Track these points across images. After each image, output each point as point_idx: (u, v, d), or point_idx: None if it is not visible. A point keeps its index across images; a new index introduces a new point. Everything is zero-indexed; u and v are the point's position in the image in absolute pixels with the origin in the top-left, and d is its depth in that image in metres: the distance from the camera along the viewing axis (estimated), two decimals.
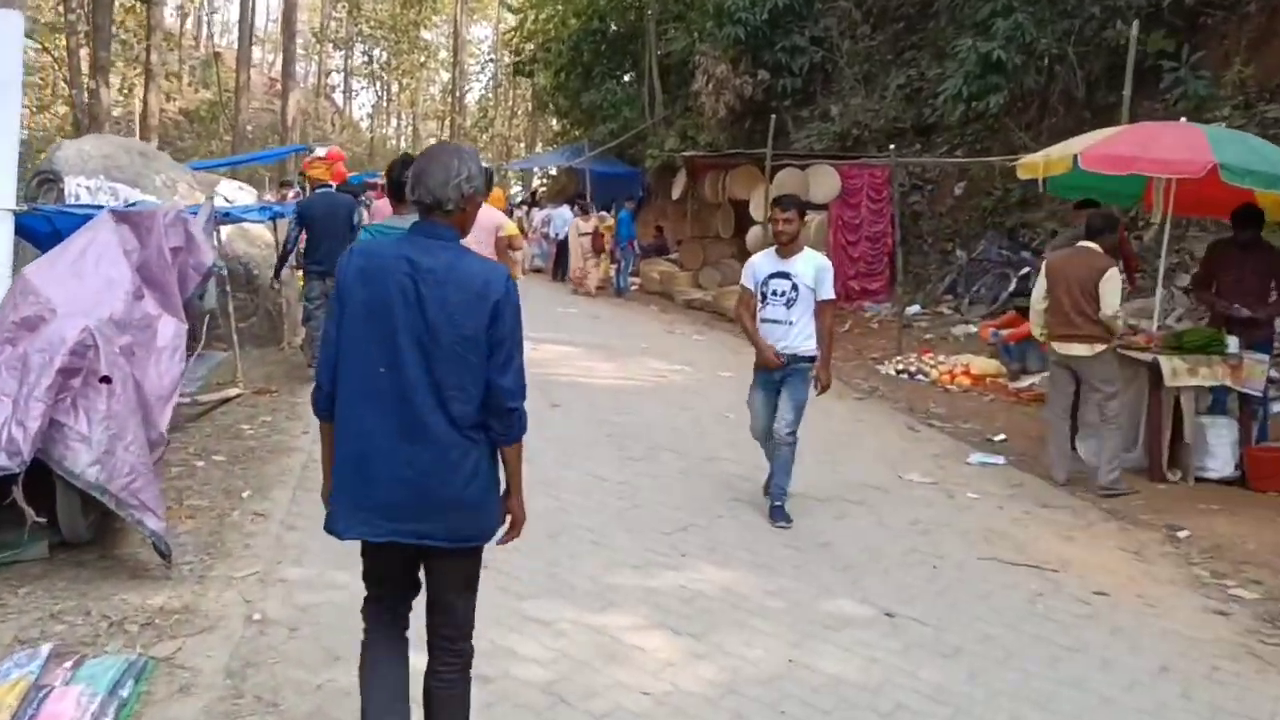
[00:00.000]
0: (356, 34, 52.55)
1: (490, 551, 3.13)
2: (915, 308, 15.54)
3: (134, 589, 4.78)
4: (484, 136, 57.86)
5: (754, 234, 16.28)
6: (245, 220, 9.78)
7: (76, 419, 4.80)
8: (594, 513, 6.21)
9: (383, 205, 9.05)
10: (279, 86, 43.55)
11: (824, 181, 16.18)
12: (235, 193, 12.37)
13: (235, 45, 41.40)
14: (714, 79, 20.02)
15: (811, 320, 6.11)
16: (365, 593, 3.21)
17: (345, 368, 2.97)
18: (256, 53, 63.87)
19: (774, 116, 16.47)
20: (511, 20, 42.72)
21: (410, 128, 62.65)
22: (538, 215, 24.71)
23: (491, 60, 55.50)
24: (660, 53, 24.77)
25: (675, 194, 19.39)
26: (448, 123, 57.92)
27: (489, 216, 10.09)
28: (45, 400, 4.71)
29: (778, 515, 6.10)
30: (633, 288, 20.60)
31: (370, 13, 50.70)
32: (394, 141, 62.88)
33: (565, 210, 22.29)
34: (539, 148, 50.76)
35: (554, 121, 35.77)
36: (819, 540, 5.82)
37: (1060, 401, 7.41)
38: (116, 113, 38.05)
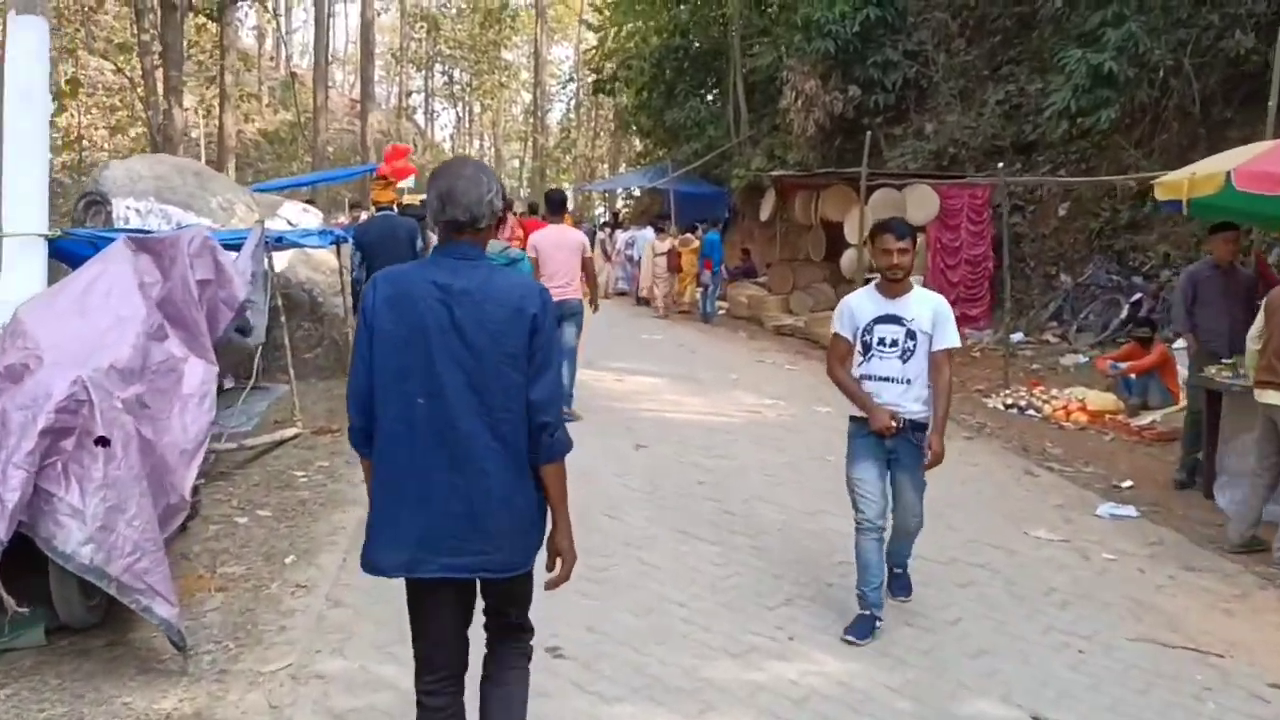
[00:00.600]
0: (436, 54, 52.83)
1: (569, 641, 2.67)
2: (1019, 335, 14.78)
3: (140, 687, 4.16)
4: (566, 157, 57.96)
5: (849, 258, 15.67)
6: (303, 245, 9.39)
7: (67, 489, 4.13)
8: (686, 582, 5.60)
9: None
10: (359, 107, 43.92)
11: (922, 202, 15.50)
12: (299, 215, 12.09)
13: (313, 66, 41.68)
14: (803, 95, 19.46)
15: (927, 375, 4.95)
16: (416, 691, 3.03)
17: (382, 401, 2.87)
18: (337, 74, 64.94)
19: (867, 134, 15.81)
20: (592, 39, 42.66)
21: (493, 149, 62.94)
22: (621, 237, 24.32)
23: (572, 79, 55.51)
24: (745, 69, 24.25)
25: (763, 215, 18.84)
26: (530, 143, 58.06)
27: (573, 236, 9.77)
28: (27, 467, 4.04)
29: (899, 587, 5.36)
30: (720, 312, 20.08)
31: (450, 33, 50.96)
32: None
33: (649, 232, 21.87)
34: (622, 168, 50.67)
35: (636, 141, 35.42)
36: (946, 616, 5.21)
37: (1269, 459, 6.43)
38: (195, 134, 38.69)
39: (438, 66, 55.54)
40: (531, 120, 57.46)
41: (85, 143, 33.66)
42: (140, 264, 5.98)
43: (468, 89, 55.18)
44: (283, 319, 9.16)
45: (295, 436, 8.57)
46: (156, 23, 27.30)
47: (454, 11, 52.51)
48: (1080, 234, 15.71)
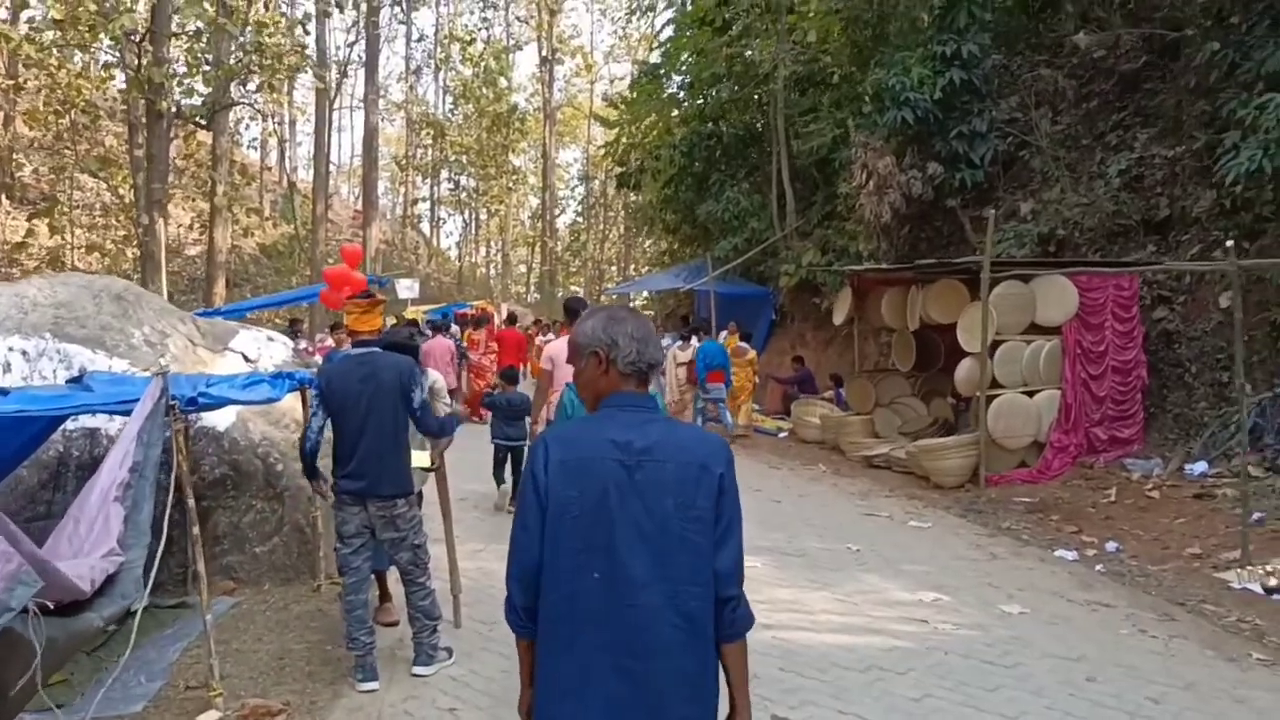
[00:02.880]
0: (442, 161, 50.15)
1: None
2: (1201, 466, 11.11)
3: None
4: (575, 261, 54.93)
5: (967, 369, 12.06)
6: (238, 400, 5.74)
7: None
8: None
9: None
10: (362, 217, 40.98)
11: (1056, 298, 11.99)
12: (259, 346, 8.53)
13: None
14: (875, 175, 16.10)
15: None
16: None
17: (552, 577, 2.52)
18: (342, 186, 62.52)
19: (991, 213, 12.39)
20: (601, 138, 39.95)
21: (500, 255, 59.99)
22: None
23: (582, 182, 52.73)
24: (792, 153, 21.02)
25: (838, 318, 15.26)
26: (538, 248, 55.15)
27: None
28: None
29: None
30: (781, 435, 16.41)
31: (456, 139, 48.30)
32: (483, 269, 60.29)
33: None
34: (632, 270, 47.53)
35: (659, 241, 32.09)
36: None
37: None
38: (193, 251, 35.57)
39: (443, 173, 52.81)
40: (540, 224, 54.55)
41: (67, 266, 30.53)
42: None
43: (475, 195, 52.35)
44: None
45: None
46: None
47: (460, 118, 49.85)
48: (1260, 329, 12.12)
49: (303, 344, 14.98)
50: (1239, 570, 7.95)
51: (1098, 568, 8.36)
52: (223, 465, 7.27)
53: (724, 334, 17.60)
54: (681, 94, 26.19)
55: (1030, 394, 12.06)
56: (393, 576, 6.52)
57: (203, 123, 23.78)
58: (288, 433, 7.71)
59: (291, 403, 7.51)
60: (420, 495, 6.43)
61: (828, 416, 15.31)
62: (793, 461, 14.11)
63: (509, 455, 10.42)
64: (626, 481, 2.50)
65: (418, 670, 5.72)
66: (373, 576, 6.50)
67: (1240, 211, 12.43)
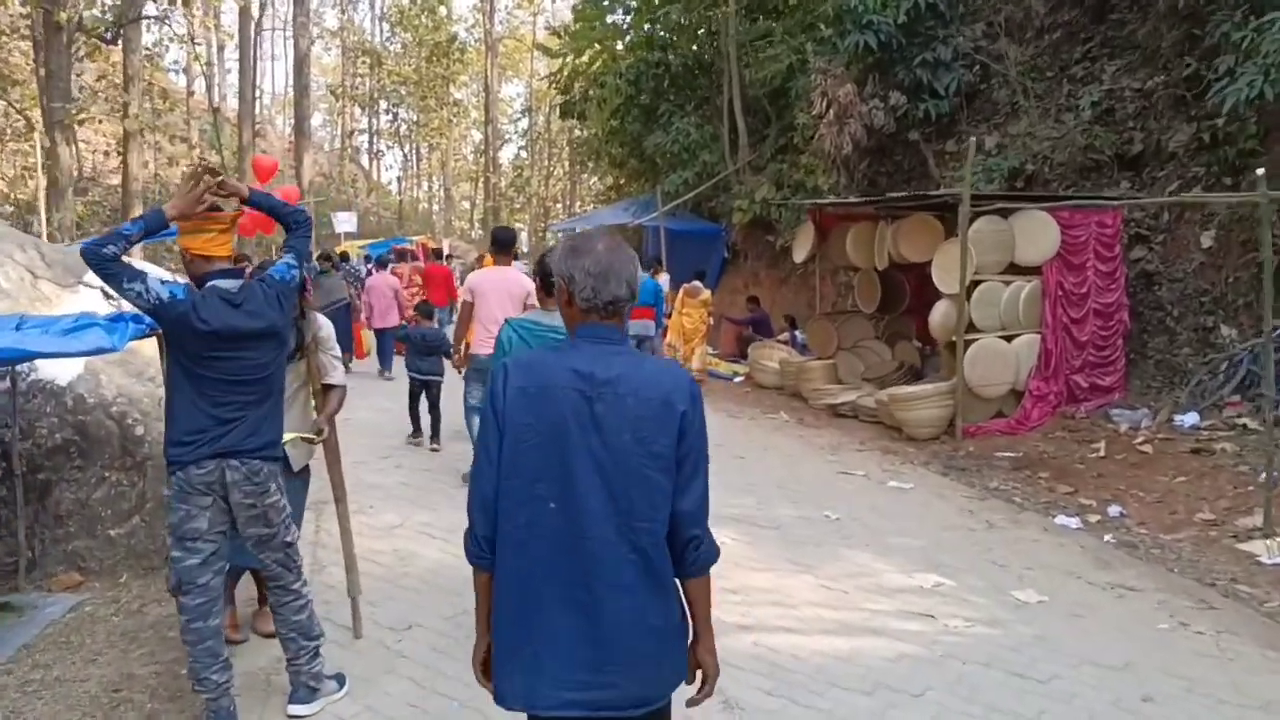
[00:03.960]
0: (380, 91, 47.81)
1: None
2: (1192, 416, 10.13)
3: None
4: (520, 197, 53.06)
5: (943, 312, 10.94)
6: (46, 354, 4.19)
7: None
8: None
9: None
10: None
11: (1037, 234, 10.87)
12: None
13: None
14: (836, 104, 14.80)
15: None
16: None
17: (508, 505, 2.42)
18: (278, 118, 59.76)
19: (971, 141, 11.19)
20: (544, 70, 38.02)
21: (442, 190, 57.85)
22: None
23: (524, 114, 50.70)
24: (744, 82, 19.61)
25: (799, 255, 13.97)
26: (482, 183, 53.21)
27: (516, 280, 7.86)
28: None
29: None
30: (737, 379, 15.25)
31: (394, 69, 46.01)
32: (424, 204, 58.22)
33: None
34: (578, 207, 45.87)
35: (605, 176, 30.50)
36: None
37: None
38: (115, 180, 33.19)
39: (382, 104, 50.45)
40: (483, 159, 52.56)
41: None
42: None
43: (415, 128, 50.14)
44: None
45: None
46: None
47: (399, 46, 47.49)
48: (1243, 271, 11.13)
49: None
50: (1267, 542, 6.94)
51: (1107, 538, 7.30)
52: (65, 428, 5.89)
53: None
54: (627, 21, 24.50)
55: (1008, 339, 10.99)
56: None
57: (107, 37, 21.64)
58: (151, 386, 6.28)
59: (154, 351, 6.12)
60: (307, 471, 5.13)
61: (787, 361, 14.13)
62: (752, 409, 12.94)
63: (424, 390, 10.28)
64: (586, 413, 2.37)
65: (295, 710, 4.30)
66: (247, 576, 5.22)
67: (1222, 146, 11.37)
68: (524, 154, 54.98)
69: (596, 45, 25.00)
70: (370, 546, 6.63)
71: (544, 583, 2.38)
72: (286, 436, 4.41)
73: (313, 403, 4.96)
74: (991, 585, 6.16)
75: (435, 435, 10.17)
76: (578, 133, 33.41)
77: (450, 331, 10.27)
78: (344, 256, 23.02)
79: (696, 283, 14.91)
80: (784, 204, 17.23)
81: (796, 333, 15.92)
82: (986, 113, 15.63)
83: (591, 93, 23.35)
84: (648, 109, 22.11)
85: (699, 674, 2.57)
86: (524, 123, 53.29)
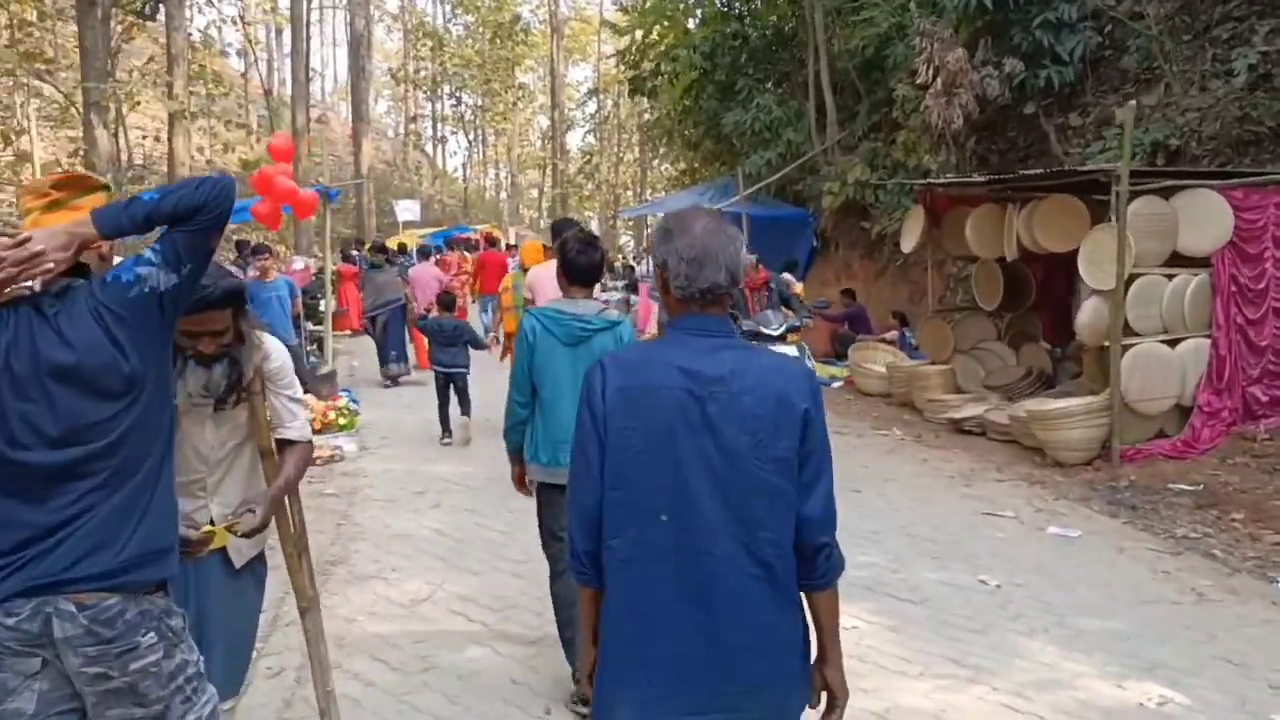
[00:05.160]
0: (442, 74, 46.63)
1: None
2: None
3: None
4: (588, 184, 51.61)
5: (1091, 311, 9.23)
6: None
7: None
8: None
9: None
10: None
11: (1203, 218, 9.11)
12: None
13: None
14: (944, 72, 13.06)
15: None
16: None
17: (614, 520, 2.20)
18: (342, 105, 59.00)
19: (1040, 125, 9.42)
20: (612, 50, 36.45)
21: (508, 177, 56.64)
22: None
23: (591, 96, 49.09)
24: (833, 52, 17.86)
25: (907, 244, 12.22)
26: (548, 170, 51.87)
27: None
28: None
29: None
30: (835, 384, 13.62)
31: (456, 51, 44.77)
32: (490, 193, 57.10)
33: None
34: (649, 194, 44.26)
35: (678, 160, 28.78)
36: None
37: None
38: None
39: (445, 89, 49.28)
40: (550, 145, 51.18)
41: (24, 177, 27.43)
42: None
43: (479, 113, 48.92)
44: None
45: None
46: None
47: (460, 29, 46.27)
48: None
49: (252, 272, 12.07)
50: None
51: None
52: None
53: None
54: None
55: (1171, 343, 9.25)
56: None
57: (145, 12, 20.55)
58: None
59: None
60: (262, 566, 3.48)
61: (896, 366, 12.45)
62: (858, 422, 11.30)
63: (449, 383, 10.07)
64: (697, 414, 2.14)
65: None
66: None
67: None
68: (592, 139, 53.53)
69: (666, 19, 23.39)
70: (382, 634, 5.22)
71: (656, 604, 2.16)
72: (203, 529, 2.98)
73: (261, 468, 3.33)
74: (1237, 702, 4.53)
75: (465, 410, 10.12)
76: (648, 116, 31.93)
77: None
78: (401, 249, 21.81)
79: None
80: (884, 185, 15.46)
81: (906, 331, 14.23)
82: (1115, 82, 13.77)
83: (663, 68, 21.70)
84: (724, 85, 20.39)
85: (825, 696, 2.32)
86: (591, 106, 51.74)
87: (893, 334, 14.44)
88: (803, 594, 2.27)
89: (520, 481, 4.63)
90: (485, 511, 7.53)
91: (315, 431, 9.51)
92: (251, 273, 11.93)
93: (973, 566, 6.36)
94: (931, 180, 12.24)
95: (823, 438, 2.24)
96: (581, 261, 4.46)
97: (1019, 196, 10.78)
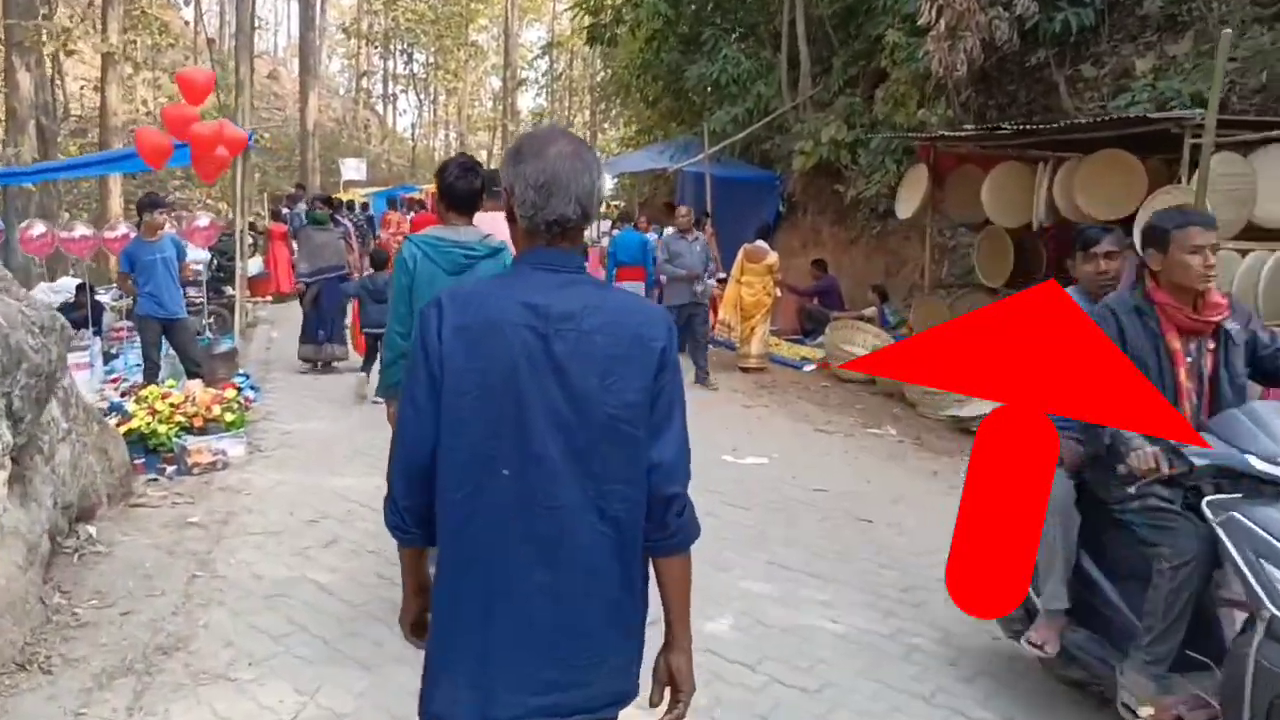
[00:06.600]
0: (394, 28, 43.97)
1: None
2: None
3: None
4: None
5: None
6: None
7: None
8: None
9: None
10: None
11: None
12: None
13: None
14: (950, 11, 11.02)
15: None
16: None
17: (449, 470, 1.91)
18: (294, 61, 56.03)
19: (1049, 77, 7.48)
20: (566, 3, 34.07)
21: (459, 138, 54.06)
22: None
23: (544, 52, 46.50)
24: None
25: (906, 211, 10.22)
26: (499, 132, 49.39)
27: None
28: None
29: None
30: (810, 368, 11.65)
31: (409, 5, 42.13)
32: (440, 154, 54.54)
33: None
34: (600, 157, 42.06)
35: (632, 120, 26.57)
36: None
37: None
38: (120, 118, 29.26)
39: (397, 46, 46.58)
40: (501, 106, 48.69)
41: None
42: None
43: (431, 71, 46.30)
44: None
45: None
46: None
47: None
48: None
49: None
50: None
51: None
52: None
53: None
54: None
55: None
56: None
57: None
58: None
59: None
60: None
61: (885, 351, 10.49)
62: (842, 417, 9.31)
63: (378, 343, 8.55)
64: (542, 353, 1.87)
65: None
66: None
67: None
68: (543, 101, 51.10)
69: None
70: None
71: (496, 564, 1.89)
72: None
73: None
74: None
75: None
76: (602, 75, 29.66)
77: None
78: (351, 206, 19.83)
79: (761, 243, 11.28)
80: (866, 143, 13.41)
81: (886, 309, 12.27)
82: (1133, 29, 11.89)
83: (625, 15, 19.45)
84: (688, 37, 18.27)
85: (667, 689, 2.01)
86: (544, 65, 49.19)
87: (872, 310, 12.47)
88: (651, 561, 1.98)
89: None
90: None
91: (195, 431, 7.34)
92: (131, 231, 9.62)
93: None
94: (944, 133, 10.12)
95: (677, 376, 1.96)
96: (460, 187, 4.27)
97: (1044, 155, 8.79)
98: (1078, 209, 8.01)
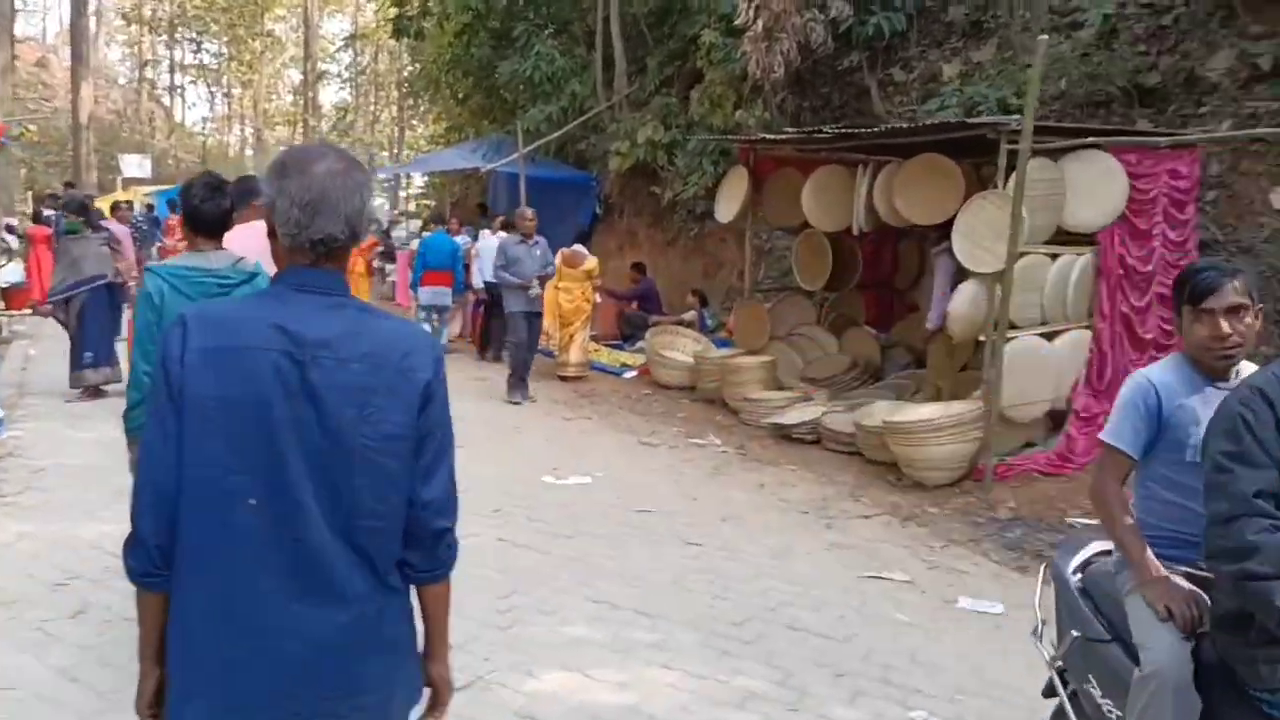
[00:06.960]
0: (180, 15, 41.36)
1: None
2: None
3: None
4: (343, 142, 47.31)
5: (969, 300, 7.25)
6: None
7: None
8: None
9: None
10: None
11: (1097, 186, 7.34)
12: None
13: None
14: (767, 12, 10.91)
15: None
16: None
17: (192, 503, 1.75)
18: (67, 50, 52.09)
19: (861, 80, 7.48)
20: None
21: (255, 134, 51.42)
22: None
23: (348, 44, 44.73)
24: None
25: (725, 214, 9.96)
26: (300, 127, 47.28)
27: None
28: None
29: None
30: (630, 374, 11.33)
31: None
32: (234, 150, 51.73)
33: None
34: (405, 154, 40.70)
35: (441, 117, 25.68)
36: None
37: None
38: None
39: (185, 34, 43.82)
40: (302, 101, 46.57)
41: None
42: None
43: (223, 62, 43.81)
44: None
45: None
46: None
47: None
48: None
49: None
50: None
51: None
52: None
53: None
54: None
55: (1048, 336, 7.45)
56: None
57: None
58: None
59: None
60: None
61: (705, 356, 10.22)
62: (666, 427, 9.00)
63: None
64: (296, 382, 1.73)
65: None
66: None
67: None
68: (347, 95, 49.20)
69: None
70: None
71: (242, 602, 1.74)
72: None
73: None
74: None
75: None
76: (410, 70, 28.59)
77: None
78: (115, 206, 17.78)
79: (579, 247, 10.88)
80: (683, 144, 13.21)
81: (705, 312, 12.07)
82: (938, 35, 12.12)
83: (431, 7, 18.66)
84: (500, 32, 17.67)
85: (427, 694, 2.01)
86: (347, 58, 47.34)
87: (692, 314, 12.26)
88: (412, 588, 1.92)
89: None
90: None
91: None
92: None
93: (891, 690, 4.13)
94: (764, 135, 9.94)
95: (445, 411, 1.87)
96: (208, 210, 3.81)
97: (863, 158, 8.72)
98: (897, 213, 7.95)
